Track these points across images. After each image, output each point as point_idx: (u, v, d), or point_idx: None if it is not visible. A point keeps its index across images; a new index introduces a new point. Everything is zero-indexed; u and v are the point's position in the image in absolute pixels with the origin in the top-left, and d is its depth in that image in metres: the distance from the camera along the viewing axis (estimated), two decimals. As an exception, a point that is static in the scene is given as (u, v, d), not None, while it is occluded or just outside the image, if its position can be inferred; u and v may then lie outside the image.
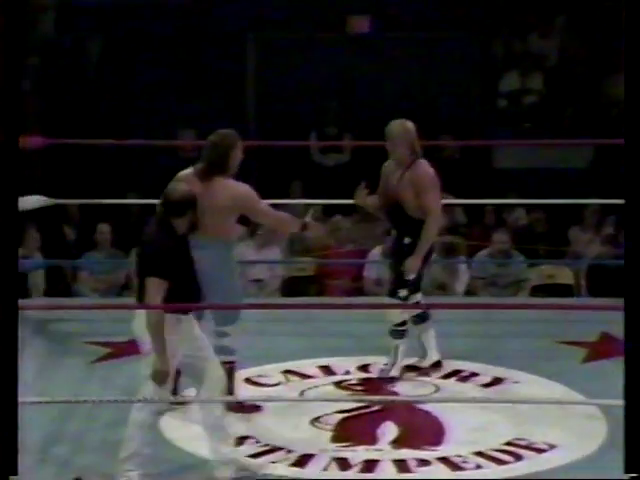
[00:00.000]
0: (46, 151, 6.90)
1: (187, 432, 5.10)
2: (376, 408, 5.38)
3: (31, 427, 5.08)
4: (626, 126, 3.96)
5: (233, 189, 5.12)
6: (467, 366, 5.96)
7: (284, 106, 10.84)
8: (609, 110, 10.23)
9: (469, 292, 8.12)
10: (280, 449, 5.00)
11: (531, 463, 4.91)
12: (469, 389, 5.71)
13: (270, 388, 5.70)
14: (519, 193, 9.13)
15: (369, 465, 4.88)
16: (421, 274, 5.73)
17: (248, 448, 4.98)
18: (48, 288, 8.13)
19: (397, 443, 5.08)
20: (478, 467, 4.89)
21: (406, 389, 5.68)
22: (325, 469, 4.86)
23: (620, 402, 4.04)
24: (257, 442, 5.04)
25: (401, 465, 4.88)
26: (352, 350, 6.13)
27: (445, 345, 6.07)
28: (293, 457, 4.94)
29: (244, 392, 5.47)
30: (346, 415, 5.32)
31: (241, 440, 5.03)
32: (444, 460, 4.92)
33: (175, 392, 5.10)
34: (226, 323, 5.24)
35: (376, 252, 8.08)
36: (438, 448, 5.03)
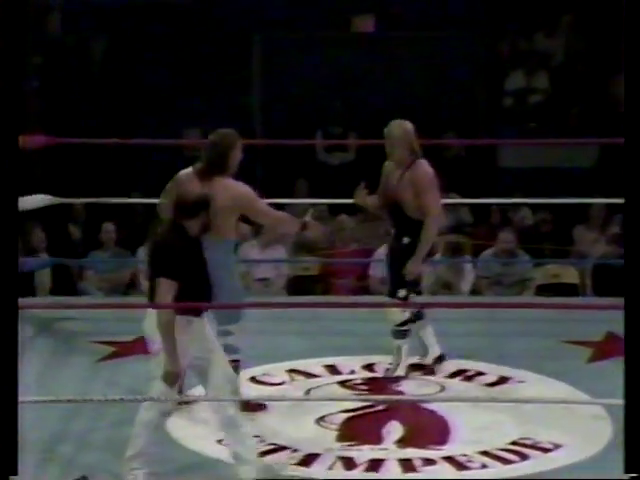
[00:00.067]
0: (51, 150, 6.89)
1: (192, 431, 5.11)
2: (381, 407, 5.38)
3: (37, 426, 5.09)
4: (626, 126, 3.95)
5: (233, 189, 5.12)
6: (472, 365, 5.96)
7: (289, 105, 10.85)
8: (615, 109, 10.22)
9: (474, 291, 8.12)
10: (285, 448, 5.00)
11: (536, 463, 4.91)
12: (474, 388, 5.71)
13: (275, 387, 5.70)
14: (524, 192, 9.12)
15: (374, 464, 4.88)
16: (420, 273, 5.74)
17: (253, 447, 4.99)
18: (54, 287, 8.15)
19: (402, 442, 5.08)
20: (483, 466, 4.89)
21: (411, 388, 5.68)
22: (330, 468, 4.86)
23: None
24: (262, 441, 5.04)
25: (406, 464, 4.88)
26: (357, 349, 6.13)
27: (450, 344, 6.07)
28: (298, 456, 4.94)
29: (249, 391, 5.48)
30: (351, 414, 5.33)
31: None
32: (449, 459, 4.92)
33: (180, 391, 5.10)
34: (229, 322, 5.25)
35: (381, 251, 8.07)
36: (443, 447, 5.03)
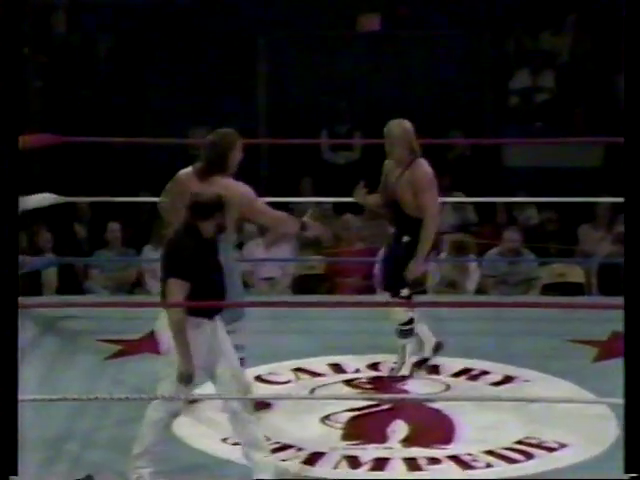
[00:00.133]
0: (56, 149, 6.91)
1: (197, 430, 5.11)
2: (386, 406, 5.38)
3: (42, 424, 5.10)
4: (626, 126, 3.95)
5: (232, 188, 5.12)
6: (477, 364, 5.96)
7: (294, 104, 10.85)
8: (620, 108, 10.20)
9: (480, 290, 8.11)
10: (290, 447, 5.00)
11: (542, 462, 4.91)
12: (479, 387, 5.71)
13: (280, 386, 5.70)
14: (530, 191, 9.12)
15: (379, 463, 4.88)
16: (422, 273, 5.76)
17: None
18: (60, 286, 8.16)
19: (407, 441, 5.08)
20: (488, 466, 4.89)
21: (416, 387, 5.68)
22: (335, 467, 4.86)
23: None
24: (267, 440, 5.03)
25: (411, 463, 4.88)
26: (362, 348, 6.13)
27: (456, 343, 6.07)
28: (303, 455, 4.94)
29: (254, 390, 5.48)
30: (356, 413, 5.33)
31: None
32: (454, 458, 4.92)
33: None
34: (230, 321, 5.25)
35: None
36: (448, 446, 5.03)
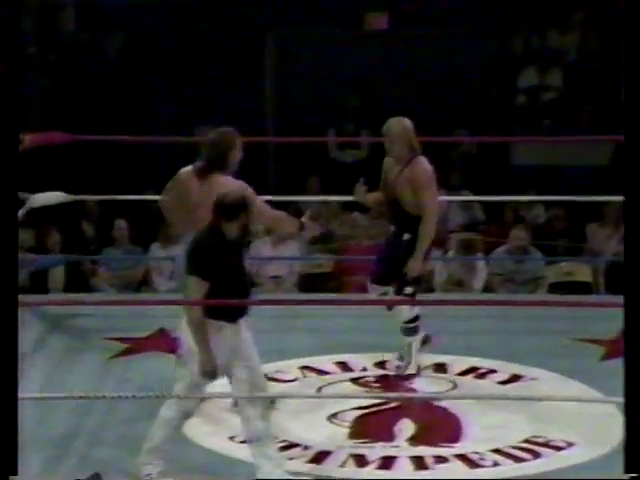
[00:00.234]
0: (64, 147, 6.91)
1: (204, 429, 5.11)
2: (393, 405, 5.38)
3: (49, 422, 5.10)
4: (626, 125, 3.95)
5: (230, 186, 5.11)
6: (485, 363, 5.95)
7: (302, 102, 10.85)
8: (628, 107, 10.17)
9: (487, 289, 8.10)
10: (297, 445, 5.00)
11: (549, 461, 4.90)
12: (487, 386, 5.71)
13: (287, 384, 5.70)
14: (538, 190, 9.11)
15: (386, 462, 4.88)
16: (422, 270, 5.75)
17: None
18: (67, 284, 8.17)
19: (414, 440, 5.08)
20: (495, 464, 4.88)
21: (423, 386, 5.67)
22: (342, 465, 4.86)
23: None
24: (274, 438, 5.04)
25: (418, 462, 4.88)
26: (369, 346, 6.13)
27: (463, 342, 6.07)
28: (310, 453, 4.94)
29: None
30: (363, 412, 5.33)
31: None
32: (461, 457, 4.92)
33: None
34: None
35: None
36: (455, 445, 5.03)
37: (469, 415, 5.27)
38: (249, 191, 5.15)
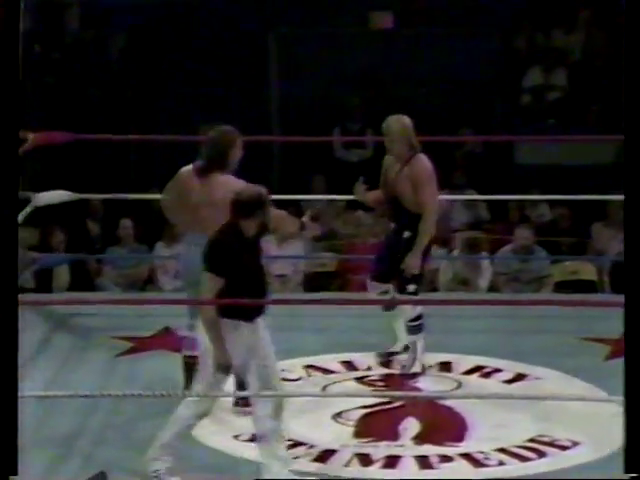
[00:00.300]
0: (69, 146, 6.92)
1: (209, 428, 5.11)
2: (398, 404, 5.38)
3: (54, 421, 5.11)
4: (626, 125, 3.94)
5: (230, 185, 5.11)
6: (490, 362, 5.95)
7: (307, 101, 10.85)
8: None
9: (492, 288, 8.10)
10: (302, 444, 5.00)
11: (554, 460, 4.90)
12: (492, 385, 5.70)
13: (292, 383, 5.70)
14: (542, 189, 9.10)
15: (391, 461, 4.88)
16: (423, 267, 5.74)
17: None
18: (72, 283, 8.17)
19: (419, 439, 5.08)
20: (500, 463, 4.88)
21: (428, 385, 5.67)
22: (347, 465, 4.86)
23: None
24: (284, 438, 5.03)
25: (423, 461, 4.88)
26: (374, 345, 6.12)
27: (468, 341, 6.07)
28: (315, 452, 4.94)
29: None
30: (368, 411, 5.33)
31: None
32: (466, 456, 4.92)
33: (187, 387, 5.10)
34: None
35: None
36: (460, 444, 5.03)
37: (474, 414, 5.26)
38: None
